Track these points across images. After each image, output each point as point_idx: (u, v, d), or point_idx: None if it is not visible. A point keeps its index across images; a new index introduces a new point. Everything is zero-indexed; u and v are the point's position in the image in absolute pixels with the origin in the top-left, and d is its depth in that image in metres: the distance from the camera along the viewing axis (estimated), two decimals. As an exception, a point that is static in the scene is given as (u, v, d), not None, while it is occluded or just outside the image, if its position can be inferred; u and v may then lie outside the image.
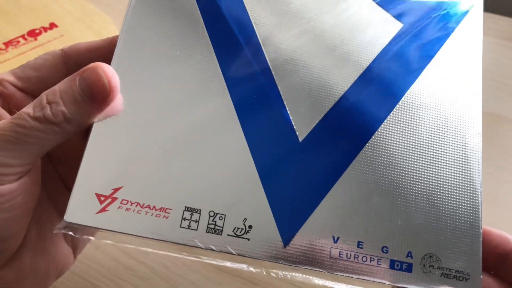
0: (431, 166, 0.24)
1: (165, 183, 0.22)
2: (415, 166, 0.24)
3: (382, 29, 0.26)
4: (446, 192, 0.23)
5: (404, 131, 0.24)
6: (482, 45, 0.27)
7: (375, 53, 0.26)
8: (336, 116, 0.24)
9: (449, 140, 0.24)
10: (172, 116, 0.23)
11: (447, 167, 0.24)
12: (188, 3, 0.25)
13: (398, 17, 0.27)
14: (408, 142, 0.24)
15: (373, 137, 0.24)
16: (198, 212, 0.21)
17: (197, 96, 0.23)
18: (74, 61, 0.24)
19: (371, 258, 0.22)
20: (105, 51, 0.24)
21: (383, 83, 0.25)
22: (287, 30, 0.25)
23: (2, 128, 0.20)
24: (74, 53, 0.24)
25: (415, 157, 0.24)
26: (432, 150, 0.24)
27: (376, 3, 0.27)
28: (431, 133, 0.24)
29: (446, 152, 0.24)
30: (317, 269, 0.21)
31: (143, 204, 0.21)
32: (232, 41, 0.25)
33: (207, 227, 0.21)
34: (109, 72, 0.21)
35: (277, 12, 0.26)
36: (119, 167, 0.21)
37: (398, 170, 0.23)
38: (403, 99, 0.25)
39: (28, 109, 0.20)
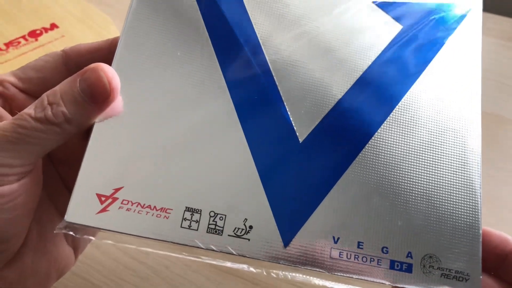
0: (431, 167, 0.24)
1: (166, 183, 0.22)
2: (415, 167, 0.24)
3: (382, 31, 0.26)
4: (446, 193, 0.23)
5: (404, 132, 0.24)
6: (482, 45, 0.27)
7: (375, 55, 0.26)
8: (336, 117, 0.24)
9: (449, 141, 0.24)
10: (172, 116, 0.23)
11: (447, 168, 0.24)
12: (188, 4, 0.25)
13: (397, 19, 0.27)
14: (408, 143, 0.24)
15: (373, 138, 0.24)
16: (199, 212, 0.21)
17: (198, 96, 0.23)
18: (75, 62, 0.24)
19: (371, 258, 0.22)
20: (105, 52, 0.24)
21: (382, 84, 0.25)
22: (287, 31, 0.26)
23: (4, 129, 0.20)
24: (75, 54, 0.24)
25: (415, 158, 0.24)
26: (431, 151, 0.24)
27: (376, 4, 0.27)
28: (431, 134, 0.24)
29: (446, 153, 0.24)
30: (317, 270, 0.21)
31: (144, 204, 0.21)
32: (232, 42, 0.25)
33: (208, 227, 0.21)
34: (110, 72, 0.21)
35: (277, 14, 0.26)
36: (120, 167, 0.21)
37: (398, 171, 0.23)
38: (402, 100, 0.25)
39: (29, 110, 0.20)
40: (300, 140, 0.23)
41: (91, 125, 0.22)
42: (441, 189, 0.23)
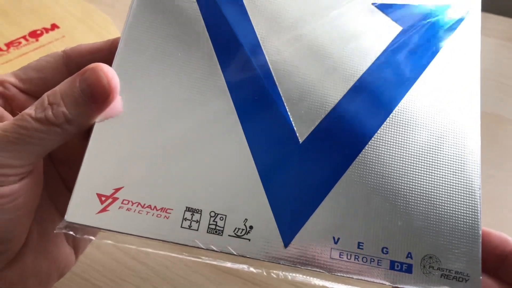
0: (431, 168, 0.24)
1: (166, 183, 0.22)
2: (415, 167, 0.24)
3: (381, 32, 0.26)
4: (446, 193, 0.23)
5: (403, 133, 0.24)
6: (482, 45, 0.27)
7: (374, 56, 0.26)
8: (336, 118, 0.24)
9: (448, 142, 0.24)
10: (173, 116, 0.23)
11: (446, 169, 0.24)
12: (189, 5, 0.25)
13: (397, 20, 0.27)
14: (408, 144, 0.24)
15: (372, 138, 0.24)
16: (199, 212, 0.21)
17: (198, 97, 0.23)
18: (75, 62, 0.24)
19: (371, 259, 0.22)
20: (106, 53, 0.24)
21: (382, 86, 0.25)
22: (287, 33, 0.26)
23: (5, 129, 0.20)
24: (75, 54, 0.25)
25: (415, 159, 0.24)
26: (431, 152, 0.24)
27: (376, 6, 0.27)
28: (431, 135, 0.24)
29: (445, 154, 0.24)
30: (317, 270, 0.21)
31: (144, 204, 0.21)
32: (232, 42, 0.25)
33: (208, 227, 0.21)
34: (109, 72, 0.21)
35: (277, 15, 0.26)
36: (120, 167, 0.21)
37: (398, 172, 0.23)
38: (402, 101, 0.25)
39: (30, 110, 0.20)
40: (300, 140, 0.23)
41: (92, 125, 0.22)
42: (440, 189, 0.23)
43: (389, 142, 0.24)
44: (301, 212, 0.22)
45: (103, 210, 0.21)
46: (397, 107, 0.25)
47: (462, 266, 0.22)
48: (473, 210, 0.23)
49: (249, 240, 0.21)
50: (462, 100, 0.26)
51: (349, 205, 0.22)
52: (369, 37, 0.26)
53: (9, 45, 0.42)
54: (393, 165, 0.23)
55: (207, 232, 0.21)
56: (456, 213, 0.23)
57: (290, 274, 0.22)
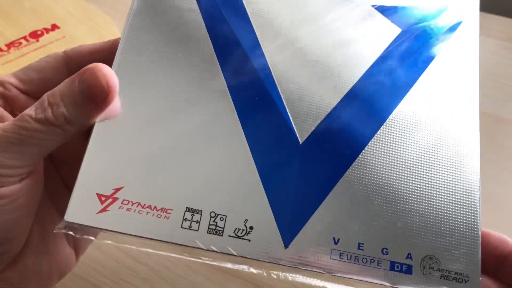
0: (430, 169, 0.24)
1: (166, 183, 0.22)
2: (414, 168, 0.24)
3: (381, 34, 0.26)
4: (445, 194, 0.23)
5: (403, 134, 0.24)
6: (482, 45, 0.27)
7: (375, 58, 0.26)
8: (336, 119, 0.24)
9: (447, 143, 0.24)
10: (173, 117, 0.23)
11: (446, 170, 0.24)
12: (189, 7, 0.25)
13: (396, 23, 0.27)
14: (408, 145, 0.24)
15: (373, 139, 0.24)
16: (199, 212, 0.21)
17: (199, 97, 0.23)
18: (76, 63, 0.24)
19: (371, 259, 0.22)
20: (107, 53, 0.24)
21: (383, 86, 0.25)
22: (288, 34, 0.26)
23: (5, 130, 0.20)
24: (76, 55, 0.25)
25: (415, 160, 0.24)
26: (430, 154, 0.24)
27: (375, 8, 0.27)
28: (430, 137, 0.24)
29: (445, 156, 0.24)
30: (317, 271, 0.21)
31: (144, 204, 0.21)
32: (233, 43, 0.25)
33: (208, 227, 0.21)
34: (108, 72, 0.21)
35: (278, 16, 0.26)
36: (120, 167, 0.21)
37: (398, 173, 0.23)
38: (401, 102, 0.25)
39: (30, 111, 0.20)
40: (300, 141, 0.23)
41: (92, 125, 0.22)
42: (440, 191, 0.23)
43: (388, 143, 0.24)
44: (301, 212, 0.22)
45: (103, 210, 0.21)
46: (396, 109, 0.25)
47: (462, 267, 0.22)
48: (472, 211, 0.23)
49: (249, 240, 0.21)
50: (461, 103, 0.26)
51: (349, 206, 0.22)
52: (369, 39, 0.26)
53: (9, 45, 0.42)
54: (392, 166, 0.24)
55: (207, 232, 0.21)
56: (456, 214, 0.23)
57: (290, 275, 0.22)
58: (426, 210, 0.23)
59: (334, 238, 0.22)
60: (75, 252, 0.26)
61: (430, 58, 0.26)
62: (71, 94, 0.21)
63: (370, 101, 0.25)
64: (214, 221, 0.21)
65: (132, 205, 0.21)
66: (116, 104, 0.22)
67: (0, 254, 0.21)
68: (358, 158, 0.23)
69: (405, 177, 0.23)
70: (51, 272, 0.24)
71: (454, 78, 0.26)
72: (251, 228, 0.21)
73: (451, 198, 0.23)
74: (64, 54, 0.25)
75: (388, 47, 0.26)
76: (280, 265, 0.21)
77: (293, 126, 0.24)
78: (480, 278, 0.22)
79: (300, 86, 0.25)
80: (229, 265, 0.22)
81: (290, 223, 0.22)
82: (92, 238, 0.22)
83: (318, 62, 0.25)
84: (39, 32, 0.44)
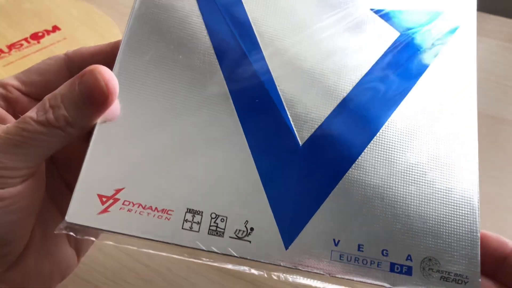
0: (430, 171, 0.24)
1: (167, 184, 0.22)
2: (414, 170, 0.24)
3: (380, 37, 0.27)
4: (445, 196, 0.23)
5: (403, 135, 0.24)
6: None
7: (374, 60, 0.26)
8: (336, 121, 0.24)
9: (446, 146, 0.24)
10: (174, 118, 0.23)
11: (445, 172, 0.24)
12: (190, 9, 0.25)
13: (395, 26, 0.27)
14: (408, 147, 0.24)
15: (372, 141, 0.24)
16: (200, 214, 0.21)
17: (200, 100, 0.23)
18: (77, 65, 0.24)
19: (371, 261, 0.22)
20: (108, 55, 0.24)
21: (381, 90, 0.25)
22: (288, 37, 0.26)
23: (7, 132, 0.20)
24: (77, 57, 0.25)
25: (414, 162, 0.24)
26: (430, 156, 0.24)
27: (374, 12, 0.27)
28: (429, 139, 0.24)
29: (443, 158, 0.24)
30: (318, 272, 0.21)
31: (145, 205, 0.21)
32: (234, 45, 0.25)
33: (209, 229, 0.21)
34: (107, 74, 0.21)
35: (279, 19, 0.26)
36: (121, 168, 0.22)
37: (397, 175, 0.23)
38: (401, 104, 0.25)
39: (32, 113, 0.21)
40: (301, 143, 0.23)
41: (93, 127, 0.22)
42: (439, 192, 0.23)
43: (387, 146, 0.24)
44: (302, 214, 0.22)
45: (104, 211, 0.21)
46: (395, 111, 0.25)
47: (461, 269, 0.22)
48: (471, 213, 0.23)
49: (250, 242, 0.21)
50: (459, 105, 0.26)
51: (349, 208, 0.22)
52: (368, 42, 0.26)
53: (11, 47, 0.42)
54: (392, 168, 0.24)
55: (208, 233, 0.21)
56: (455, 215, 0.23)
57: (291, 276, 0.22)
58: (426, 212, 0.23)
59: (334, 240, 0.22)
60: (76, 253, 0.26)
61: (428, 62, 0.26)
62: (71, 96, 0.21)
63: (369, 104, 0.25)
64: (214, 222, 0.21)
65: (133, 206, 0.21)
66: (116, 106, 0.22)
67: (2, 255, 0.21)
68: (357, 160, 0.23)
69: (404, 179, 0.23)
70: (53, 273, 0.24)
71: (452, 81, 0.26)
72: (252, 229, 0.21)
73: (450, 200, 0.23)
74: (66, 56, 0.25)
75: (386, 51, 0.26)
76: (281, 266, 0.21)
77: (293, 128, 0.24)
78: (480, 280, 0.22)
79: (300, 89, 0.25)
80: (229, 266, 0.22)
81: (290, 224, 0.22)
82: (93, 239, 0.22)
83: (317, 66, 0.25)
84: (40, 34, 0.44)
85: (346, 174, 0.23)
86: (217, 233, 0.21)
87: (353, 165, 0.23)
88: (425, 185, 0.23)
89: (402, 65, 0.26)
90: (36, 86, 0.24)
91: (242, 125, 0.23)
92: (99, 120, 0.22)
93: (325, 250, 0.22)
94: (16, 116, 0.23)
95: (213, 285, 0.32)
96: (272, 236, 0.21)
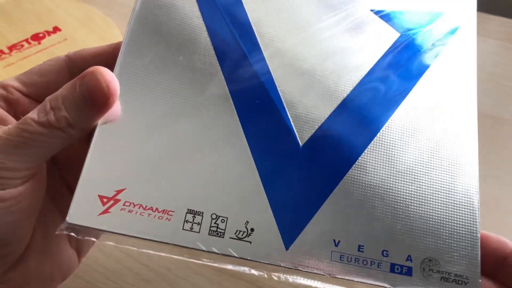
0: (430, 172, 0.24)
1: (168, 185, 0.22)
2: (414, 171, 0.24)
3: (380, 38, 0.27)
4: (445, 197, 0.23)
5: (402, 136, 0.24)
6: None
7: (374, 61, 0.26)
8: (336, 122, 0.24)
9: (446, 146, 0.25)
10: (175, 119, 0.23)
11: (445, 173, 0.24)
12: (191, 10, 0.25)
13: (395, 27, 0.27)
14: (408, 148, 0.24)
15: (372, 142, 0.24)
16: (201, 214, 0.21)
17: (200, 101, 0.24)
18: (78, 66, 0.24)
19: (371, 261, 0.22)
20: (109, 57, 0.24)
21: (381, 90, 0.25)
22: (288, 38, 0.26)
23: (9, 133, 0.20)
24: (78, 58, 0.25)
25: (414, 162, 0.24)
26: (430, 156, 0.24)
27: (374, 12, 0.27)
28: (429, 140, 0.25)
29: (443, 158, 0.24)
30: (318, 272, 0.21)
31: (146, 206, 0.21)
32: (234, 47, 0.25)
33: (209, 229, 0.21)
34: (108, 75, 0.21)
35: (279, 20, 0.26)
36: (122, 169, 0.22)
37: (398, 175, 0.24)
38: (401, 105, 0.25)
39: (33, 114, 0.21)
40: (301, 144, 0.23)
41: (94, 128, 0.22)
42: (439, 193, 0.23)
43: (388, 146, 0.24)
44: (302, 214, 0.22)
45: (105, 211, 0.21)
46: (395, 112, 0.25)
47: (462, 269, 0.22)
48: (471, 214, 0.23)
49: (250, 242, 0.21)
50: (460, 105, 0.26)
51: (349, 208, 0.22)
52: (368, 43, 0.26)
53: (11, 48, 0.42)
54: (392, 169, 0.24)
55: (209, 234, 0.21)
56: (455, 216, 0.23)
57: (291, 276, 0.22)
58: (426, 212, 0.23)
59: (334, 240, 0.22)
60: (77, 253, 0.26)
61: (429, 63, 0.27)
62: (72, 97, 0.21)
63: (369, 105, 0.25)
64: (215, 223, 0.21)
65: (133, 207, 0.21)
66: (117, 107, 0.22)
67: (3, 256, 0.21)
68: (358, 160, 0.23)
69: (405, 180, 0.23)
70: (53, 273, 0.24)
71: (453, 82, 0.26)
72: (252, 230, 0.22)
73: (450, 200, 0.23)
74: (66, 57, 0.25)
75: (387, 51, 0.26)
76: (281, 267, 0.21)
77: (294, 129, 0.24)
78: (480, 280, 0.22)
79: (300, 90, 0.25)
80: (230, 267, 0.22)
81: (290, 225, 0.22)
82: (94, 239, 0.22)
83: (317, 66, 0.25)
84: (41, 35, 0.44)
85: (347, 174, 0.23)
86: (217, 233, 0.21)
87: (354, 165, 0.23)
88: (425, 186, 0.23)
89: (402, 65, 0.26)
90: (37, 87, 0.24)
91: (242, 126, 0.23)
92: (100, 121, 0.22)
93: (325, 251, 0.22)
94: (17, 117, 0.23)
95: (213, 285, 0.32)
96: (273, 237, 0.22)
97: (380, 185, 0.23)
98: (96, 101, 0.21)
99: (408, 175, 0.24)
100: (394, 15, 0.27)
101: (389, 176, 0.23)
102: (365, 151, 0.24)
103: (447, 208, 0.23)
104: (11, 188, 0.20)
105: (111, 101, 0.21)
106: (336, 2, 0.27)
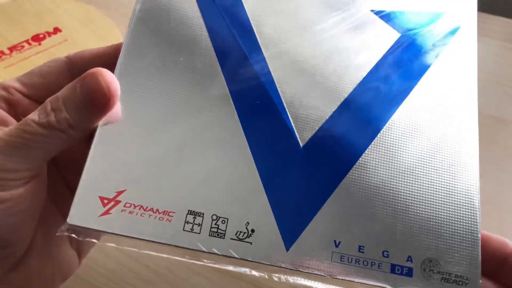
0: (430, 172, 0.24)
1: (169, 186, 0.22)
2: (414, 171, 0.24)
3: (380, 38, 0.27)
4: (445, 197, 0.23)
5: (403, 137, 0.24)
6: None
7: (375, 61, 0.26)
8: (337, 122, 0.24)
9: (447, 146, 0.25)
10: (175, 120, 0.23)
11: (446, 173, 0.24)
12: (191, 11, 0.25)
13: (395, 27, 0.27)
14: (408, 148, 0.24)
15: (373, 142, 0.24)
16: (201, 215, 0.21)
17: (200, 102, 0.24)
18: (79, 67, 0.24)
19: (372, 262, 0.22)
20: (109, 58, 0.24)
21: (382, 91, 0.25)
22: (289, 39, 0.26)
23: (9, 134, 0.20)
24: (78, 59, 0.25)
25: (415, 163, 0.24)
26: (430, 157, 0.24)
27: (374, 13, 0.27)
28: (430, 140, 0.25)
29: (444, 159, 0.24)
30: (318, 273, 0.21)
31: (147, 207, 0.21)
32: (234, 48, 0.25)
33: (210, 230, 0.21)
34: (108, 77, 0.21)
35: (279, 21, 0.26)
36: (123, 170, 0.22)
37: (398, 176, 0.23)
38: (401, 106, 0.25)
39: (34, 115, 0.21)
40: (301, 144, 0.23)
41: (94, 129, 0.22)
42: (440, 193, 0.23)
43: (388, 147, 0.24)
44: (302, 215, 0.22)
45: (106, 213, 0.21)
46: (396, 112, 0.25)
47: (462, 270, 0.22)
48: (472, 214, 0.23)
49: (251, 243, 0.21)
50: (460, 105, 0.26)
51: (350, 209, 0.22)
52: (368, 44, 0.26)
53: (12, 49, 0.42)
54: (393, 169, 0.24)
55: (209, 235, 0.21)
56: (456, 216, 0.23)
57: (292, 277, 0.22)
58: (426, 213, 0.23)
59: (335, 241, 0.22)
60: (77, 254, 0.26)
61: (429, 63, 0.26)
62: (73, 99, 0.21)
63: (370, 105, 0.25)
64: (215, 224, 0.21)
65: (134, 208, 0.21)
66: (118, 108, 0.22)
67: (4, 257, 0.21)
68: (358, 161, 0.23)
69: (405, 180, 0.23)
70: (54, 274, 0.24)
71: (453, 82, 0.26)
72: (253, 231, 0.22)
73: (451, 201, 0.23)
74: (67, 58, 0.25)
75: (387, 52, 0.26)
76: (282, 268, 0.21)
77: (294, 129, 0.24)
78: (480, 281, 0.22)
79: (301, 90, 0.25)
80: (230, 268, 0.22)
81: (291, 226, 0.22)
82: (95, 240, 0.22)
83: (318, 67, 0.25)
84: (41, 36, 0.44)
85: (347, 175, 0.23)
86: (218, 234, 0.21)
87: (354, 166, 0.23)
88: (425, 186, 0.23)
89: (403, 66, 0.26)
90: (38, 89, 0.24)
91: (242, 126, 0.23)
92: (100, 123, 0.22)
93: (325, 252, 0.22)
94: (18, 119, 0.23)
95: (213, 286, 0.32)
96: (273, 238, 0.22)
97: (380, 186, 0.23)
98: (97, 102, 0.21)
99: (408, 175, 0.24)
100: (394, 15, 0.27)
101: (389, 177, 0.23)
102: (366, 151, 0.24)
103: (448, 209, 0.23)
104: (12, 189, 0.20)
105: (111, 102, 0.21)
106: (336, 3, 0.27)
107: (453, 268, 0.22)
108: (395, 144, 0.24)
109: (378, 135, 0.24)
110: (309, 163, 0.23)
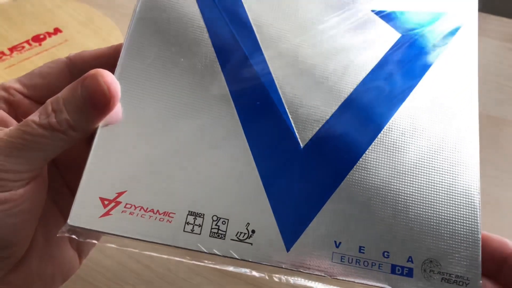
0: (430, 173, 0.24)
1: (169, 187, 0.22)
2: (415, 172, 0.24)
3: (381, 39, 0.27)
4: (445, 198, 0.23)
5: (403, 137, 0.24)
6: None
7: (375, 61, 0.26)
8: (337, 123, 0.24)
9: (447, 147, 0.24)
10: (175, 121, 0.23)
11: (446, 174, 0.24)
12: (192, 12, 0.25)
13: (395, 27, 0.27)
14: (408, 149, 0.24)
15: (373, 143, 0.24)
16: (202, 216, 0.21)
17: (201, 102, 0.24)
18: (79, 68, 0.24)
19: (372, 263, 0.22)
20: (110, 59, 0.24)
21: (382, 91, 0.25)
22: (289, 39, 0.26)
23: (10, 135, 0.20)
24: (79, 60, 0.25)
25: (415, 163, 0.24)
26: (430, 157, 0.24)
27: (375, 13, 0.27)
28: (430, 141, 0.25)
29: (445, 159, 0.24)
30: (319, 274, 0.21)
31: (147, 208, 0.21)
32: (235, 49, 0.25)
33: (210, 231, 0.21)
34: (109, 78, 0.21)
35: (279, 22, 0.26)
36: (123, 171, 0.22)
37: (398, 176, 0.23)
38: (402, 106, 0.25)
39: (34, 116, 0.21)
40: (302, 145, 0.23)
41: (95, 130, 0.22)
42: (440, 194, 0.23)
43: (388, 147, 0.24)
44: (303, 216, 0.22)
45: (106, 214, 0.21)
46: (396, 113, 0.25)
47: (462, 270, 0.22)
48: (472, 214, 0.23)
49: (252, 244, 0.21)
50: (461, 105, 0.26)
51: (350, 210, 0.22)
52: (369, 44, 0.26)
53: (12, 49, 0.42)
54: (393, 170, 0.24)
55: (210, 236, 0.21)
56: (456, 217, 0.23)
57: (292, 278, 0.22)
58: (427, 213, 0.23)
59: (335, 242, 0.22)
60: (78, 255, 0.26)
61: (430, 63, 0.26)
62: (73, 100, 0.21)
63: (370, 105, 0.25)
64: (216, 225, 0.21)
65: (135, 209, 0.21)
66: (118, 109, 0.22)
67: (5, 258, 0.21)
68: (359, 162, 0.23)
69: (405, 181, 0.23)
70: (55, 275, 0.24)
71: (454, 82, 0.26)
72: (253, 231, 0.22)
73: (451, 201, 0.23)
74: (67, 59, 0.25)
75: (387, 52, 0.26)
76: (282, 268, 0.21)
77: (295, 130, 0.24)
78: (481, 281, 0.22)
79: (301, 91, 0.25)
80: (231, 268, 0.22)
81: (292, 226, 0.22)
82: (95, 241, 0.22)
83: (318, 67, 0.25)
84: (41, 36, 0.44)
85: (348, 175, 0.23)
86: (218, 235, 0.21)
87: (355, 167, 0.23)
88: (426, 186, 0.23)
89: (403, 66, 0.26)
90: (38, 89, 0.24)
91: (243, 127, 0.23)
92: (101, 124, 0.22)
93: (326, 252, 0.22)
94: (18, 119, 0.23)
95: (213, 286, 0.32)
96: (274, 238, 0.22)
97: (381, 186, 0.23)
98: (97, 103, 0.21)
99: (409, 175, 0.24)
100: (395, 16, 0.27)
101: (390, 177, 0.23)
102: (366, 152, 0.24)
103: (448, 209, 0.23)
104: (13, 190, 0.20)
105: (112, 103, 0.21)
106: (337, 3, 0.27)
107: (453, 269, 0.22)
108: (396, 145, 0.24)
109: (379, 136, 0.24)
110: (309, 164, 0.23)
